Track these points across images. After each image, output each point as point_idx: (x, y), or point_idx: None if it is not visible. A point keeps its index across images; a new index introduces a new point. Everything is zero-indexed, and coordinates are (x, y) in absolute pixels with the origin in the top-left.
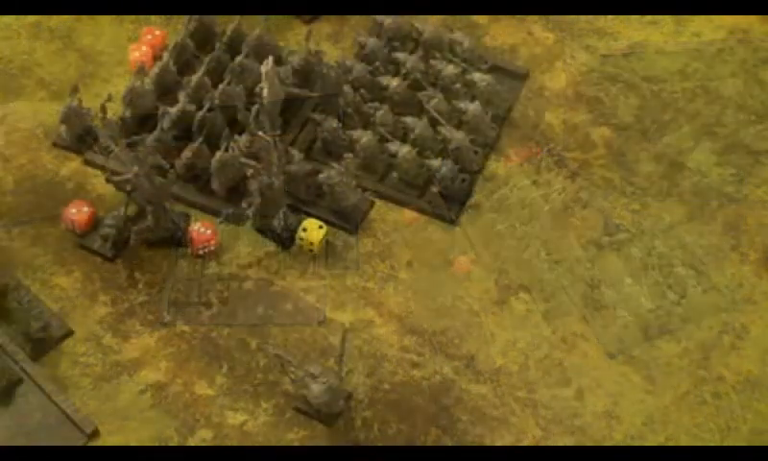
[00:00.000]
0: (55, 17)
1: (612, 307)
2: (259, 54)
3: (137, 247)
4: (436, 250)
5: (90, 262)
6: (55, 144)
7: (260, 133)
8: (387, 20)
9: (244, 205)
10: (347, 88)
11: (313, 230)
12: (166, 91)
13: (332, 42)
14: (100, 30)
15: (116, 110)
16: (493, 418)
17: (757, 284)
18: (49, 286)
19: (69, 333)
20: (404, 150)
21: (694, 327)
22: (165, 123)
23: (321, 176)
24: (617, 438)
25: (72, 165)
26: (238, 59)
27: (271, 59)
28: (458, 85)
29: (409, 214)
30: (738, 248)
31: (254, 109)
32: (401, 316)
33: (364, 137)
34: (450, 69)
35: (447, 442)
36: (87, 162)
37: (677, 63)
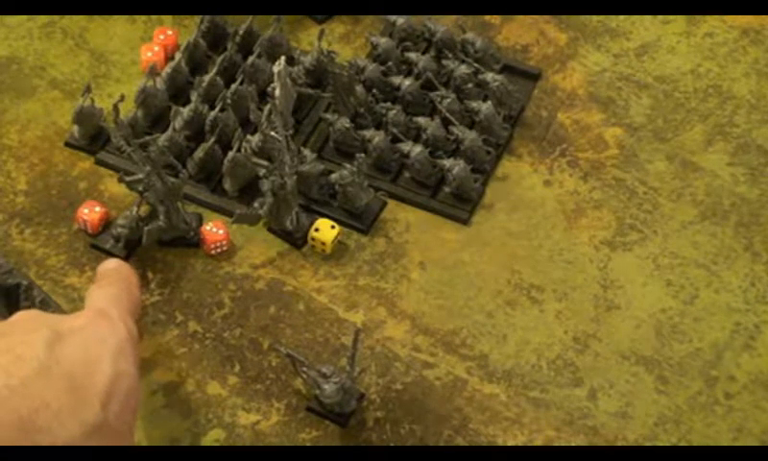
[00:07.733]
0: (67, 17)
1: (624, 307)
2: (271, 54)
3: (149, 247)
4: (448, 250)
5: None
6: (67, 144)
7: (272, 132)
8: (399, 20)
9: (256, 205)
10: (359, 88)
11: (325, 230)
12: (178, 91)
13: (345, 42)
14: (112, 30)
15: (128, 111)
16: (506, 418)
17: None
18: (62, 286)
19: None
20: (417, 150)
21: (706, 327)
22: (177, 123)
23: (333, 176)
24: (630, 438)
25: (84, 165)
26: (250, 59)
27: (283, 59)
28: (470, 85)
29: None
30: (751, 248)
31: (267, 108)
32: (414, 316)
33: (376, 137)
34: (463, 69)
35: (460, 442)
36: (100, 162)
37: (689, 63)
